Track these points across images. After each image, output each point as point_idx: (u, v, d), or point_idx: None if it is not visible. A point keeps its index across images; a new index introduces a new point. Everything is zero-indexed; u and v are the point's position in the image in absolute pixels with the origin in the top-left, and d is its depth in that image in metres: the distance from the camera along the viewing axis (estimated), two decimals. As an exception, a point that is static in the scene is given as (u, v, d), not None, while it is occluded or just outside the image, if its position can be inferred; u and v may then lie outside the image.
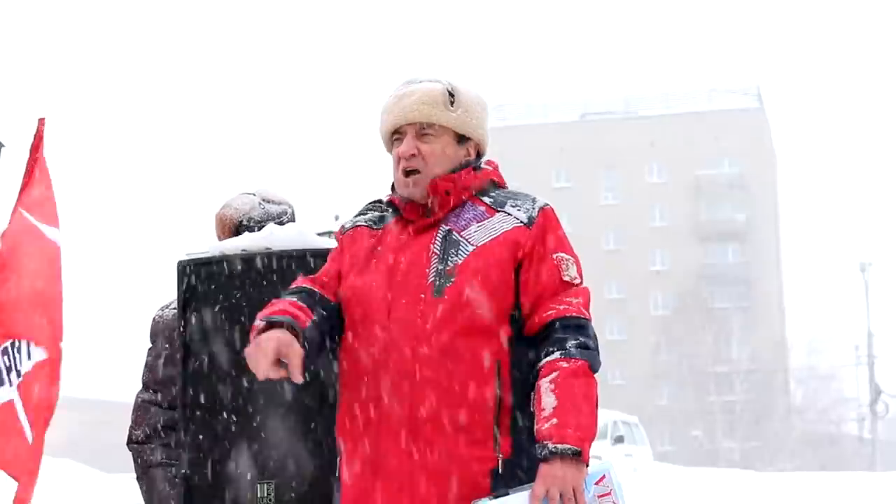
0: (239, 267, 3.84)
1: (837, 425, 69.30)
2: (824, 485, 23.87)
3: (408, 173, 3.35)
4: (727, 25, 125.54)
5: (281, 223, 4.10)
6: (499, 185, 3.47)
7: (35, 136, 4.89)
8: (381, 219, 3.46)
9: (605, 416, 25.41)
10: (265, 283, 3.81)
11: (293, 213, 4.22)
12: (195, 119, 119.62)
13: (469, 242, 3.31)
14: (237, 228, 4.12)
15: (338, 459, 3.35)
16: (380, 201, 3.51)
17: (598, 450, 23.43)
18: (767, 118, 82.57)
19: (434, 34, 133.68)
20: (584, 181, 78.88)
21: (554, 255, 3.35)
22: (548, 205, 3.41)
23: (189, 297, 3.88)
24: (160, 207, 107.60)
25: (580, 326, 3.30)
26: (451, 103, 3.37)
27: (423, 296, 3.27)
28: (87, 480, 25.09)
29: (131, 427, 4.16)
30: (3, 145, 6.53)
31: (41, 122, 4.91)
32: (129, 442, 4.16)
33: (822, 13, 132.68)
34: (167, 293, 4.24)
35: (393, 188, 3.43)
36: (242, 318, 3.78)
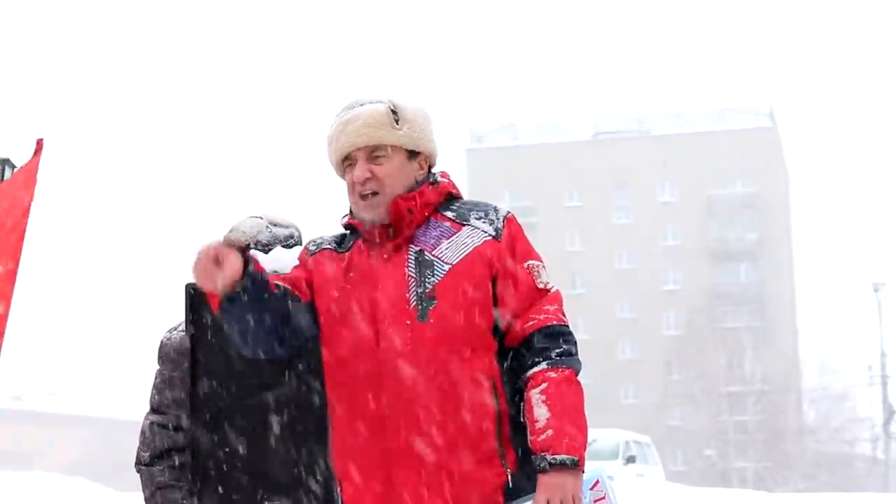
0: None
1: (850, 445, 68.94)
2: (837, 505, 23.78)
3: (365, 197, 3.35)
4: (740, 45, 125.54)
5: (288, 246, 4.12)
6: (455, 196, 3.47)
7: (33, 155, 4.91)
8: (343, 240, 3.46)
9: (616, 436, 25.35)
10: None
11: (300, 237, 4.24)
12: (204, 143, 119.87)
13: (443, 261, 3.32)
14: (244, 252, 4.14)
15: (336, 488, 3.36)
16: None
17: (610, 470, 23.39)
18: (780, 137, 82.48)
19: (446, 54, 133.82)
20: (596, 200, 78.81)
21: (526, 264, 3.38)
22: (510, 212, 3.44)
23: (197, 319, 3.90)
24: (170, 229, 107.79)
25: (560, 334, 3.34)
26: (396, 121, 3.36)
27: (408, 322, 3.27)
28: (100, 499, 25.12)
29: (139, 449, 4.18)
30: (15, 166, 6.58)
31: (39, 142, 4.93)
32: (138, 463, 4.18)
33: (835, 33, 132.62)
34: (178, 314, 4.26)
35: (351, 212, 3.43)
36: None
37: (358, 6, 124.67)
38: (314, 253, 3.47)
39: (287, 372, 3.78)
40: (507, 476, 3.28)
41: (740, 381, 69.95)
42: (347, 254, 3.41)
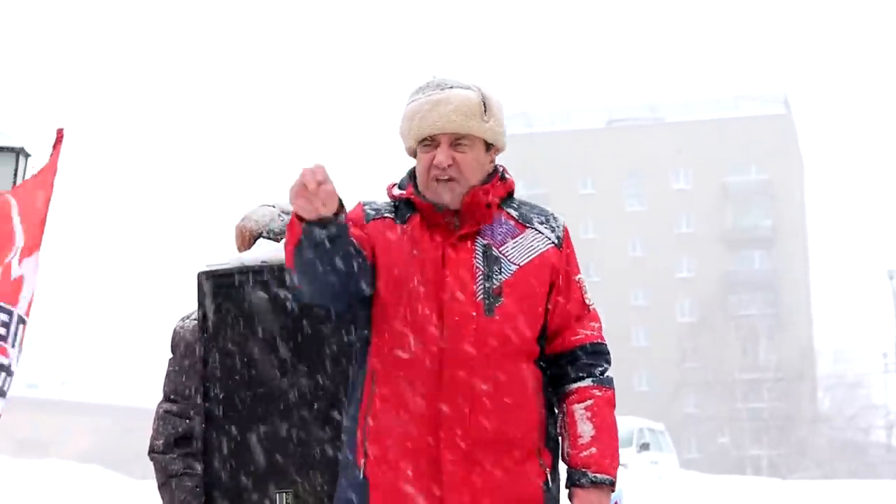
0: (259, 279, 3.87)
1: (865, 433, 68.83)
2: (852, 493, 23.73)
3: (440, 181, 3.34)
4: (754, 32, 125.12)
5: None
6: (513, 193, 3.49)
7: (54, 145, 4.92)
8: (396, 210, 3.42)
9: (630, 424, 25.33)
10: (284, 295, 3.83)
11: (312, 225, 4.24)
12: (216, 131, 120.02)
13: (510, 261, 3.35)
14: (257, 240, 4.15)
15: (359, 461, 3.33)
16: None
17: (624, 457, 23.38)
18: (795, 124, 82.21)
19: (459, 42, 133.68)
20: (610, 188, 78.72)
21: (577, 278, 3.45)
22: (564, 221, 3.50)
23: (209, 309, 3.91)
24: (184, 218, 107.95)
25: (603, 353, 3.43)
26: (485, 112, 3.36)
27: (474, 314, 3.29)
28: (115, 487, 25.18)
29: (152, 437, 4.20)
30: (29, 155, 6.59)
31: (59, 132, 4.94)
32: (151, 451, 4.20)
33: (850, 19, 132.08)
34: (191, 303, 4.27)
35: (415, 188, 3.40)
36: (261, 330, 3.81)
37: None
38: (374, 219, 3.41)
39: (299, 359, 3.78)
40: (546, 475, 3.34)
41: (754, 369, 69.89)
42: (407, 227, 3.38)
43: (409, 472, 3.27)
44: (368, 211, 3.43)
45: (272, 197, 4.37)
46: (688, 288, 76.52)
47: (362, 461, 3.33)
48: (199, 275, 3.93)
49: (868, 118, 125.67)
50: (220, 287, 3.90)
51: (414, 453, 3.27)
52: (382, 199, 3.50)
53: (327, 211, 3.08)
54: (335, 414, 3.76)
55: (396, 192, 3.43)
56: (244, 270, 3.89)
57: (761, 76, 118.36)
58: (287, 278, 3.34)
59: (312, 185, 3.05)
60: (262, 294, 3.84)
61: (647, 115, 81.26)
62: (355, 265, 3.25)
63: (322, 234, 3.12)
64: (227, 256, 4.05)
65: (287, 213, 4.21)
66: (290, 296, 3.78)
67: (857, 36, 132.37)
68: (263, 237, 4.14)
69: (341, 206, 3.14)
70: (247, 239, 4.18)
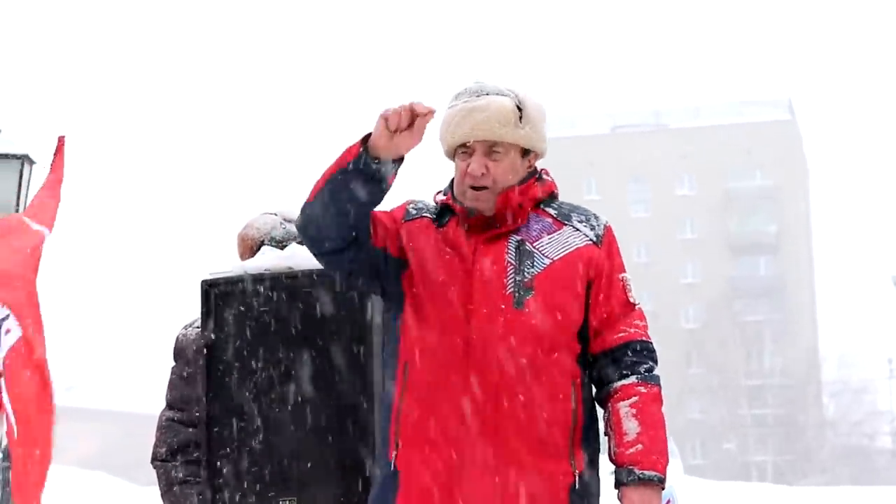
0: (262, 287, 3.87)
1: (870, 439, 68.74)
2: (857, 499, 23.72)
3: (475, 189, 3.36)
4: (758, 38, 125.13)
5: (302, 243, 4.13)
6: (555, 195, 3.50)
7: (55, 153, 4.95)
8: (440, 214, 3.46)
9: (635, 430, 25.23)
10: (288, 303, 3.84)
11: (315, 233, 4.23)
12: (219, 140, 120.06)
13: (543, 255, 3.35)
14: (259, 248, 4.15)
15: (391, 454, 3.34)
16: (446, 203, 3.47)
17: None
18: (799, 130, 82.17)
19: (462, 48, 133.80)
20: (614, 194, 78.67)
21: (620, 276, 3.43)
22: (607, 221, 3.50)
23: (212, 317, 3.91)
24: (187, 225, 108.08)
25: (649, 350, 3.39)
26: (520, 119, 3.37)
27: (503, 306, 3.29)
28: (120, 493, 25.23)
29: (155, 445, 4.20)
30: (34, 162, 6.63)
31: (61, 139, 4.97)
32: (154, 459, 4.20)
33: (854, 24, 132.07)
34: (194, 311, 4.28)
35: (453, 195, 3.43)
36: (265, 338, 3.82)
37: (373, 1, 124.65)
38: (414, 217, 3.46)
39: (302, 367, 3.79)
40: (574, 476, 3.31)
41: (759, 375, 69.81)
42: (444, 229, 3.41)
43: (437, 465, 3.28)
44: (411, 209, 3.48)
45: (274, 205, 4.37)
46: (692, 294, 76.45)
47: (394, 453, 3.35)
48: (203, 282, 3.94)
49: (873, 123, 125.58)
50: (222, 295, 3.91)
51: (442, 446, 3.28)
52: (430, 201, 3.53)
53: (403, 150, 3.19)
54: (339, 422, 3.76)
55: (439, 198, 3.48)
56: (247, 279, 3.90)
57: (765, 82, 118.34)
58: (304, 203, 3.36)
59: (423, 109, 3.14)
60: (265, 302, 3.85)
61: (651, 120, 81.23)
62: (366, 216, 3.31)
63: (373, 167, 3.20)
64: (231, 265, 4.06)
65: (289, 222, 4.22)
66: (291, 298, 3.80)
67: (862, 41, 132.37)
68: (266, 245, 4.15)
69: (402, 160, 3.22)
70: (249, 247, 4.18)
